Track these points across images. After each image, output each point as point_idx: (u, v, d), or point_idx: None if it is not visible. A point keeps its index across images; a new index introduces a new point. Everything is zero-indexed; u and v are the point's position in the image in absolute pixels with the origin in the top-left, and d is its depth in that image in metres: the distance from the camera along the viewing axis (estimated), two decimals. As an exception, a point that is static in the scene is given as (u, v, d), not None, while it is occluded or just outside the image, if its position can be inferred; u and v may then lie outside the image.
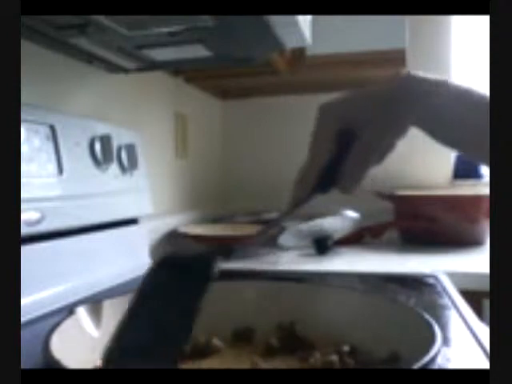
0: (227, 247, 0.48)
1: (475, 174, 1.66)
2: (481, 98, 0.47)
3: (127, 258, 0.96)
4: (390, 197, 1.41)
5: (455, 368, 0.48)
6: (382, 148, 0.47)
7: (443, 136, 0.48)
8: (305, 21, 0.84)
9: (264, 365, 0.49)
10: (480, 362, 0.51)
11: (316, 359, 0.49)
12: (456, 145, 0.49)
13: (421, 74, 0.47)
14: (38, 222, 0.71)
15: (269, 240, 1.26)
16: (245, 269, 1.05)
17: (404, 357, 0.45)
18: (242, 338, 0.58)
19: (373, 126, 0.46)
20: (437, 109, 0.46)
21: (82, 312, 0.53)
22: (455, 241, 1.28)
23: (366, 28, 1.22)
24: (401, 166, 1.58)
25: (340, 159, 0.47)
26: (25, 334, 0.45)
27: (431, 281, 0.87)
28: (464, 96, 0.48)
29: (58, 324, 0.48)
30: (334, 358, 0.48)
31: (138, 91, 1.16)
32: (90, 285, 0.81)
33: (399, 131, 0.47)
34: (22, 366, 0.39)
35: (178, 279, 0.45)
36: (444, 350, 0.48)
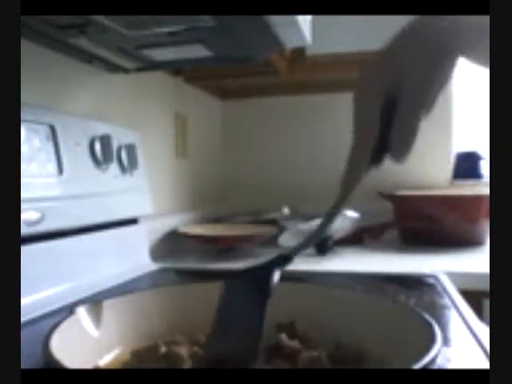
0: (285, 256, 0.52)
1: (475, 174, 1.66)
2: None
3: (127, 258, 0.96)
4: (390, 197, 1.41)
5: (455, 368, 0.48)
6: (430, 96, 0.44)
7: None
8: (305, 21, 0.84)
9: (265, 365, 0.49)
10: (480, 362, 0.51)
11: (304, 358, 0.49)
12: None
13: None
14: (38, 222, 0.71)
15: (269, 240, 1.26)
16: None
17: (404, 357, 0.45)
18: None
19: (418, 72, 0.44)
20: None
21: (82, 312, 0.53)
22: (455, 241, 1.28)
23: (365, 28, 1.22)
24: (401, 166, 1.57)
25: (388, 127, 0.45)
26: (25, 334, 0.45)
27: (431, 281, 0.87)
28: None
29: (57, 324, 0.48)
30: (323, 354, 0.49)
31: (138, 91, 1.16)
32: (90, 285, 0.81)
33: (448, 67, 0.44)
34: (22, 366, 0.39)
35: (244, 293, 0.50)
36: (444, 350, 0.48)
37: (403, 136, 0.45)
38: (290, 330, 0.57)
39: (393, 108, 0.45)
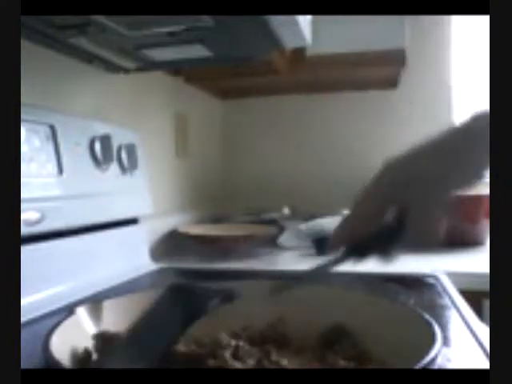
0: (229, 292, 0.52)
1: (475, 174, 1.65)
2: None
3: (127, 258, 0.96)
4: (390, 197, 1.40)
5: (455, 368, 0.48)
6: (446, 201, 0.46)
7: None
8: (305, 21, 0.84)
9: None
10: (480, 362, 0.51)
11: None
12: None
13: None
14: (38, 222, 0.71)
15: (269, 240, 1.26)
16: (245, 269, 1.05)
17: (404, 357, 0.45)
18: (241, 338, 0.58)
19: (441, 176, 0.45)
20: None
21: (82, 312, 0.53)
22: (455, 241, 1.28)
23: (366, 28, 1.22)
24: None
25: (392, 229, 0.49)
26: (25, 334, 0.45)
27: (431, 281, 0.87)
28: None
29: (57, 324, 0.48)
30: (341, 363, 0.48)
31: (138, 91, 1.16)
32: (90, 285, 0.81)
33: (473, 176, 0.46)
34: (22, 366, 0.39)
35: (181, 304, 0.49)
36: (444, 350, 0.48)
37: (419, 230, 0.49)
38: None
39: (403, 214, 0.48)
